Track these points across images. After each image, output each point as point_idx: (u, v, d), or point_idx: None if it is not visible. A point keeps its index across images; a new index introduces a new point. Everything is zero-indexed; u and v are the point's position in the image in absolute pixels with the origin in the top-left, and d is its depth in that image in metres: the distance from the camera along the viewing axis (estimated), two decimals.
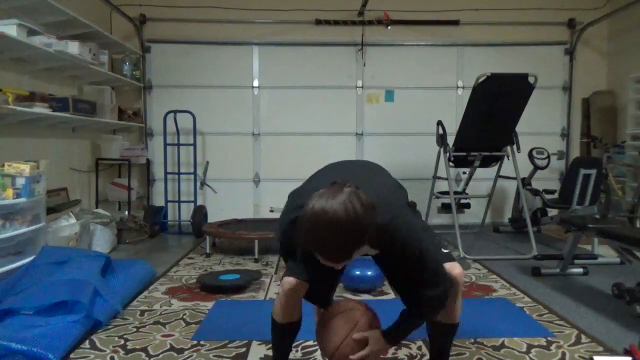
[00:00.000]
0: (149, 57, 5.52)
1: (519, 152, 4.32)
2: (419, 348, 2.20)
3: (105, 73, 4.57)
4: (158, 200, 5.47)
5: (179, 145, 5.31)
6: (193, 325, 2.51)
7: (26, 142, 3.82)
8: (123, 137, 5.36)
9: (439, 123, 4.46)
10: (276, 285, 3.21)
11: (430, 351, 1.86)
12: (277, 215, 2.17)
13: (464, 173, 5.05)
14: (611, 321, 2.56)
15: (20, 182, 2.92)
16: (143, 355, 2.15)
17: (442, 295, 1.57)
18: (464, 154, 4.37)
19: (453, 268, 1.64)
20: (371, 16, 5.48)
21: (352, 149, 5.64)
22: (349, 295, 3.00)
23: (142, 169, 5.47)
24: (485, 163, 4.55)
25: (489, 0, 5.56)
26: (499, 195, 5.57)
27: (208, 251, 4.11)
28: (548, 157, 4.84)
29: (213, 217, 5.22)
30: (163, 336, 2.37)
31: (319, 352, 2.16)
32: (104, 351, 2.20)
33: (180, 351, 2.19)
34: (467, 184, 4.99)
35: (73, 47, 3.78)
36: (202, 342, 2.29)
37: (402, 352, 2.17)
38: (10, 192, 2.87)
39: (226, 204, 5.52)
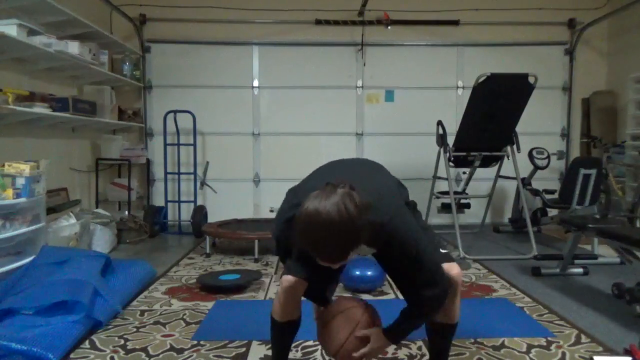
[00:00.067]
0: (149, 57, 5.52)
1: (519, 152, 4.32)
2: (419, 348, 2.20)
3: (105, 73, 4.57)
4: (158, 200, 5.47)
5: (179, 145, 5.31)
6: (193, 325, 2.51)
7: (26, 142, 3.82)
8: (123, 137, 5.36)
9: (439, 123, 4.46)
10: (276, 285, 3.21)
11: (430, 351, 1.86)
12: None
13: (464, 173, 5.05)
14: (611, 321, 2.56)
15: (20, 182, 2.92)
16: (143, 355, 2.15)
17: (440, 295, 1.57)
18: (464, 154, 4.37)
19: (451, 268, 1.65)
20: (371, 16, 5.48)
21: (352, 149, 5.64)
22: (348, 295, 3.00)
23: (142, 169, 5.47)
24: (485, 163, 4.55)
25: (489, 0, 5.56)
26: (499, 195, 5.57)
27: (208, 251, 4.11)
28: (548, 157, 4.84)
29: (213, 217, 5.22)
30: (163, 336, 2.37)
31: (319, 352, 2.16)
32: (104, 351, 2.20)
33: (180, 351, 2.19)
34: (467, 184, 4.99)
35: (73, 47, 3.78)
36: (202, 342, 2.29)
37: (402, 352, 2.17)
38: (10, 192, 2.87)
39: (226, 204, 5.52)
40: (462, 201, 5.02)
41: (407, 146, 5.63)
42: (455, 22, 5.57)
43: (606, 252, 3.88)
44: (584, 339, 2.31)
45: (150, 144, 5.59)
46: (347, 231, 1.33)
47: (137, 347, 2.24)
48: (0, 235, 2.77)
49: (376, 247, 1.56)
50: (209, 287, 3.09)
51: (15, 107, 3.18)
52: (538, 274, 3.45)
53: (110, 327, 2.48)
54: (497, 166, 4.68)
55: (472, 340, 2.28)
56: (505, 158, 4.46)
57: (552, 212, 4.81)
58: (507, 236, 5.01)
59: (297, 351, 2.16)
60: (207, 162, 5.54)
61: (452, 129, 4.66)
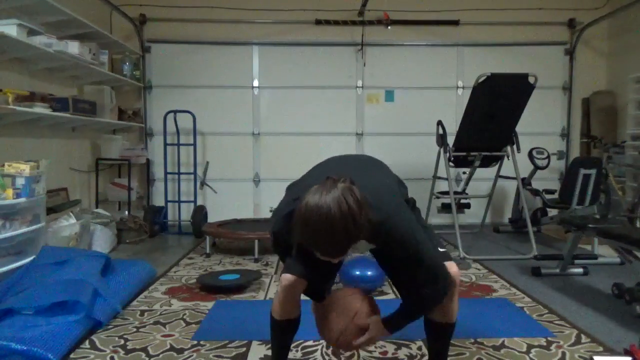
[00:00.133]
0: (149, 57, 5.52)
1: (519, 152, 4.32)
2: (419, 348, 2.20)
3: (105, 73, 4.58)
4: (158, 200, 5.47)
5: (179, 145, 5.31)
6: (193, 325, 2.51)
7: (26, 142, 3.82)
8: (123, 137, 5.36)
9: (439, 123, 4.46)
10: (276, 285, 3.20)
11: (429, 351, 1.87)
12: None
13: (464, 173, 5.04)
14: (611, 321, 2.56)
15: (20, 182, 2.92)
16: (143, 355, 2.15)
17: (439, 292, 1.58)
18: (464, 154, 4.36)
19: (449, 267, 1.65)
20: (371, 16, 5.48)
21: (352, 149, 5.63)
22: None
23: (142, 169, 5.47)
24: (485, 163, 4.54)
25: (489, 0, 5.56)
26: (499, 195, 5.57)
27: (208, 251, 4.11)
28: (548, 157, 4.84)
29: (213, 217, 5.22)
30: (163, 336, 2.37)
31: (319, 352, 2.16)
32: (104, 351, 2.20)
33: (180, 351, 2.19)
34: (467, 184, 4.99)
35: (73, 47, 3.78)
36: (202, 342, 2.29)
37: (402, 352, 2.16)
38: (10, 192, 2.87)
39: (226, 204, 5.53)
40: (462, 201, 5.02)
41: (407, 146, 5.63)
42: (455, 22, 5.57)
43: (606, 252, 3.88)
44: (584, 339, 2.31)
45: (150, 144, 5.59)
46: (348, 225, 1.33)
47: (137, 347, 2.24)
48: (0, 235, 2.77)
49: (376, 243, 1.57)
50: (209, 287, 3.09)
51: (15, 107, 3.19)
52: (538, 274, 3.45)
53: (110, 327, 2.48)
54: (497, 166, 4.68)
55: (472, 340, 2.28)
56: (505, 158, 4.46)
57: (552, 212, 4.81)
58: (507, 236, 5.01)
59: (297, 351, 2.16)
60: (207, 162, 5.54)
61: (452, 129, 4.66)
